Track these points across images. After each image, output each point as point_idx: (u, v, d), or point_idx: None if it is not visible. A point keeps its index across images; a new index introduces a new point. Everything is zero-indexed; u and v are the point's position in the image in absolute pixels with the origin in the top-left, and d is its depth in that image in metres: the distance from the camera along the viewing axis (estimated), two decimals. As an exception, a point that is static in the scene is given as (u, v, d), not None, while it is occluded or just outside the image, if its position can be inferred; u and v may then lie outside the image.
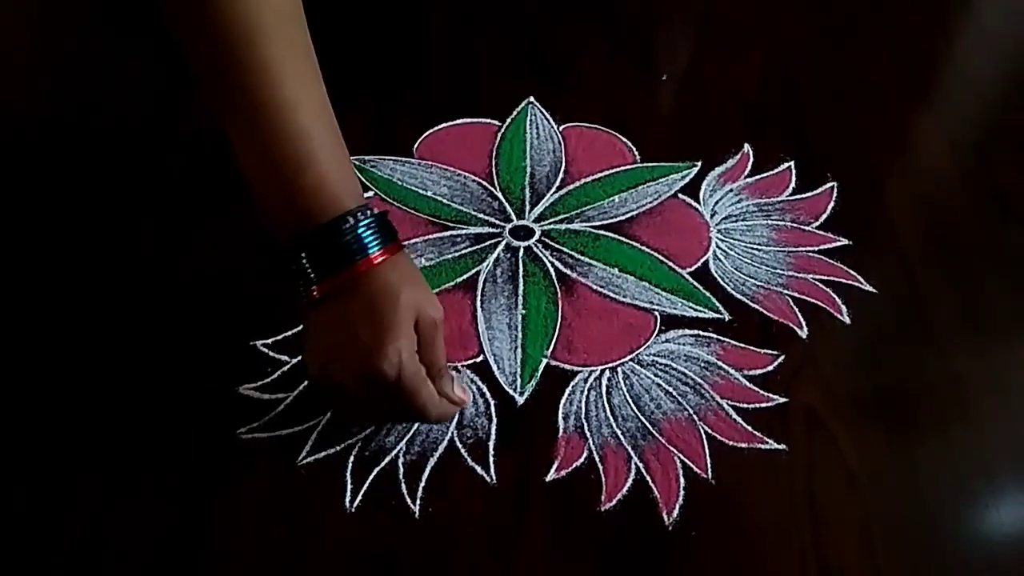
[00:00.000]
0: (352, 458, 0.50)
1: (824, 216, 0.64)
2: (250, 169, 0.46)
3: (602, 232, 0.63)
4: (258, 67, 0.44)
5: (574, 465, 0.50)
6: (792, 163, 0.68)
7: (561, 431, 0.52)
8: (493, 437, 0.51)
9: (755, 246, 0.62)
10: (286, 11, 0.46)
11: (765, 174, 0.67)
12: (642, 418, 0.52)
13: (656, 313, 0.58)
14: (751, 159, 0.68)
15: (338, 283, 0.45)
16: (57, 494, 0.49)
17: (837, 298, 0.59)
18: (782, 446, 0.51)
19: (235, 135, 0.45)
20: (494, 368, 0.54)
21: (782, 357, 0.55)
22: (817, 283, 0.60)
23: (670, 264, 0.61)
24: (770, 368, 0.55)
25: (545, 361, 0.55)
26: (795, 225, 0.64)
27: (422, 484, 0.49)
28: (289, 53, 0.45)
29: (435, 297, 0.48)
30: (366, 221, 0.46)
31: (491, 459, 0.50)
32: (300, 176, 0.45)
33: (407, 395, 0.46)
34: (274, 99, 0.44)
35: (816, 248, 0.62)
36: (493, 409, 0.53)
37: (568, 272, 0.60)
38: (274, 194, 0.45)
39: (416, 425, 0.51)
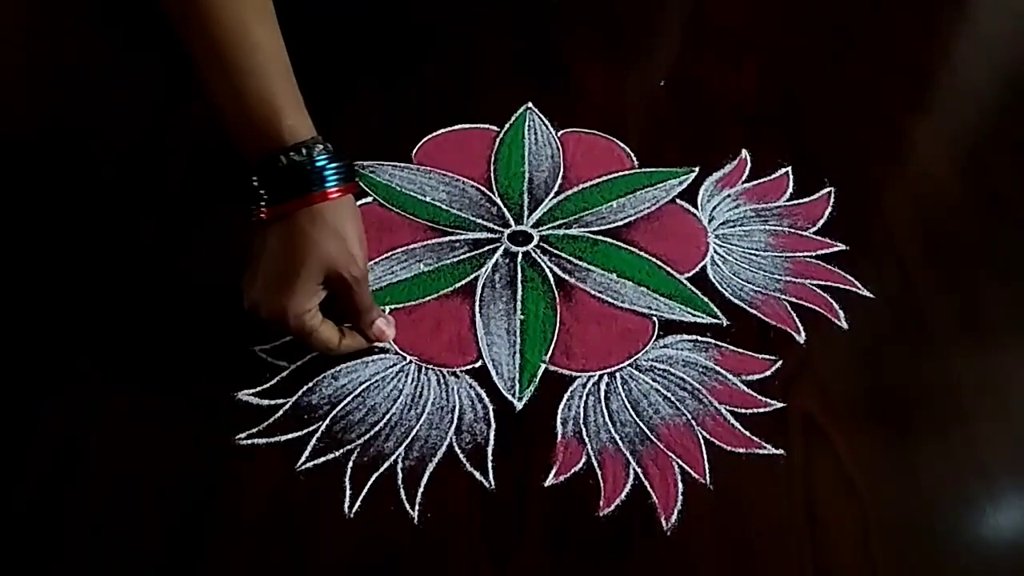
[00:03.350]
0: (351, 464, 0.50)
1: (821, 221, 0.64)
2: (216, 96, 0.50)
3: (600, 237, 0.63)
4: (225, 14, 0.49)
5: (572, 470, 0.50)
6: (789, 168, 0.68)
7: (559, 436, 0.52)
8: (492, 442, 0.51)
9: (753, 251, 0.62)
10: None
11: (763, 179, 0.67)
12: (640, 423, 0.52)
13: (654, 318, 0.58)
14: (749, 164, 0.68)
15: (278, 211, 0.49)
16: (56, 499, 0.49)
17: (835, 303, 0.59)
18: (780, 451, 0.51)
19: (206, 70, 0.49)
20: (492, 373, 0.55)
21: (780, 362, 0.56)
22: (815, 288, 0.60)
23: (668, 269, 0.61)
24: (768, 373, 0.55)
25: (543, 366, 0.55)
26: (793, 230, 0.64)
27: (421, 489, 0.49)
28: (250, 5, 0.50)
29: (360, 254, 0.51)
30: (323, 158, 0.50)
31: (490, 464, 0.50)
32: (255, 104, 0.49)
33: (298, 339, 0.52)
34: (237, 38, 0.49)
35: (814, 253, 0.62)
36: (492, 414, 0.53)
37: (566, 277, 0.60)
38: (236, 117, 0.49)
39: (415, 431, 0.52)
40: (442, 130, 0.70)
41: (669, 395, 0.54)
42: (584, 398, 0.54)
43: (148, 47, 0.77)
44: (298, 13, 0.78)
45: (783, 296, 0.59)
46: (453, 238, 0.62)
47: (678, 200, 0.66)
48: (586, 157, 0.69)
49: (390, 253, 0.61)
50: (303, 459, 0.50)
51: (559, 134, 0.70)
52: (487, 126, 0.71)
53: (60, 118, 0.71)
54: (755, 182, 0.67)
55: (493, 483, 0.50)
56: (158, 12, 0.50)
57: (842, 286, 0.60)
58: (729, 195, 0.66)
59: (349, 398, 0.53)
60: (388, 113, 0.72)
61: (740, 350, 0.56)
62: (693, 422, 0.53)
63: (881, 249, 0.64)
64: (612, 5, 0.84)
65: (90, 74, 0.75)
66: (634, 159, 0.69)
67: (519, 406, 0.53)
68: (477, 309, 0.58)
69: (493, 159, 0.68)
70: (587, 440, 0.51)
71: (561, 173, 0.67)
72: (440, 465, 0.50)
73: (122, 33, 0.81)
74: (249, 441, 0.51)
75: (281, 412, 0.52)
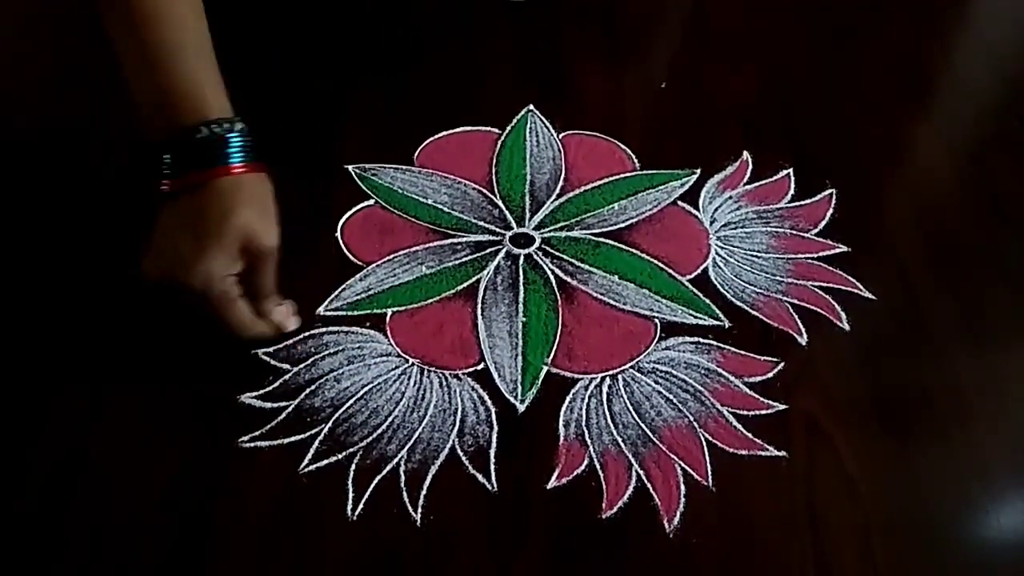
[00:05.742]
0: (354, 466, 0.50)
1: (823, 223, 0.64)
2: (130, 72, 0.51)
3: (602, 239, 0.63)
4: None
5: (575, 473, 0.50)
6: (791, 170, 0.68)
7: (562, 439, 0.52)
8: (494, 445, 0.51)
9: (754, 253, 0.62)
10: None
11: (764, 181, 0.67)
12: (643, 425, 0.52)
13: (656, 320, 0.58)
14: (750, 166, 0.68)
15: (187, 183, 0.50)
16: (58, 503, 0.49)
17: (836, 305, 0.59)
18: (782, 453, 0.51)
19: (121, 46, 0.51)
20: (495, 376, 0.55)
21: (782, 364, 0.56)
22: (816, 290, 0.60)
23: (670, 271, 0.61)
24: (770, 375, 0.55)
25: (546, 369, 0.55)
26: (794, 232, 0.64)
27: (423, 492, 0.49)
28: None
29: (274, 226, 0.51)
30: (235, 135, 0.50)
31: (492, 467, 0.51)
32: (171, 79, 0.50)
33: (213, 310, 0.51)
34: (155, 16, 0.51)
35: (815, 255, 0.62)
36: (494, 417, 0.53)
37: (568, 280, 0.60)
38: (148, 92, 0.51)
39: (417, 434, 0.52)
40: (444, 132, 0.70)
41: (671, 397, 0.54)
42: (586, 400, 0.54)
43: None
44: (299, 15, 0.78)
45: (785, 298, 0.60)
46: (455, 240, 0.62)
47: (680, 202, 0.66)
48: (587, 159, 0.69)
49: (392, 256, 0.61)
50: (306, 462, 0.50)
51: (560, 136, 0.70)
52: (489, 128, 0.71)
53: (60, 118, 0.71)
54: (756, 184, 0.67)
55: (495, 485, 0.50)
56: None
57: (843, 287, 0.60)
58: (731, 197, 0.66)
59: (351, 401, 0.53)
60: (389, 115, 0.72)
61: (742, 352, 0.56)
62: (695, 424, 0.53)
63: (882, 250, 0.64)
64: (612, 7, 0.84)
65: (90, 74, 0.75)
66: (635, 161, 0.69)
67: (521, 408, 0.53)
68: (479, 311, 0.58)
69: (495, 161, 0.68)
70: (589, 442, 0.52)
71: (563, 175, 0.67)
72: (442, 468, 0.50)
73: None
74: (252, 444, 0.51)
75: (284, 415, 0.52)
